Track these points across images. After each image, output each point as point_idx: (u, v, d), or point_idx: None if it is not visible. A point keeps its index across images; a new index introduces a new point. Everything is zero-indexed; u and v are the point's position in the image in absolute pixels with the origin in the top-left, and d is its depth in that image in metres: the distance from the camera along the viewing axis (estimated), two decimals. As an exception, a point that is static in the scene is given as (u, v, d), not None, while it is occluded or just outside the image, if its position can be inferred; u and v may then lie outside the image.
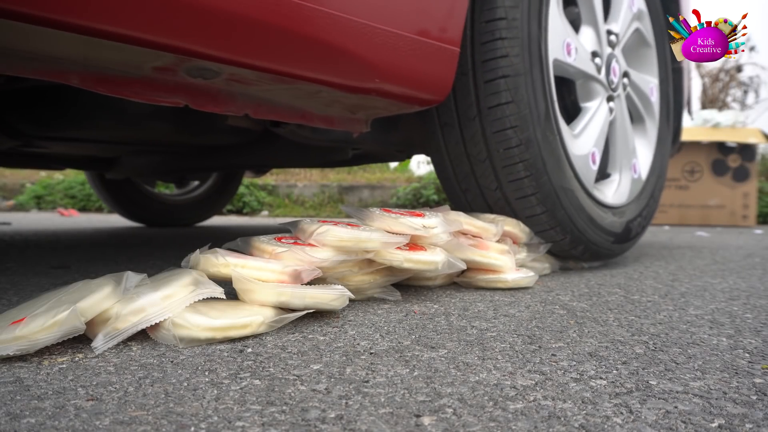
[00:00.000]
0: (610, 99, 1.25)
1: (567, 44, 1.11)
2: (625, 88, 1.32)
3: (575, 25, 1.22)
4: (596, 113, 1.21)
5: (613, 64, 1.25)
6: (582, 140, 1.17)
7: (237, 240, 0.77)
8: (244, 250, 0.75)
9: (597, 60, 1.19)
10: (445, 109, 1.07)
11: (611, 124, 1.27)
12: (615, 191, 1.30)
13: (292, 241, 0.76)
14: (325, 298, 0.66)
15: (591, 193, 1.17)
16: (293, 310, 0.64)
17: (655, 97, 1.44)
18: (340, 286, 0.69)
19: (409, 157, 1.93)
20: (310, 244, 0.75)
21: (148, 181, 2.70)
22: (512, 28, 0.99)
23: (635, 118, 1.42)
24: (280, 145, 1.52)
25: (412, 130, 1.23)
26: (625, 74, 1.32)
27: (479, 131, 1.03)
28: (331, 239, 0.72)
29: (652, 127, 1.45)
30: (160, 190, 2.96)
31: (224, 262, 0.67)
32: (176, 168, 2.05)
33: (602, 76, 1.21)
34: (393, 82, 0.86)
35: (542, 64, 1.04)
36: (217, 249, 0.70)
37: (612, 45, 1.26)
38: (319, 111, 0.95)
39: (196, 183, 2.86)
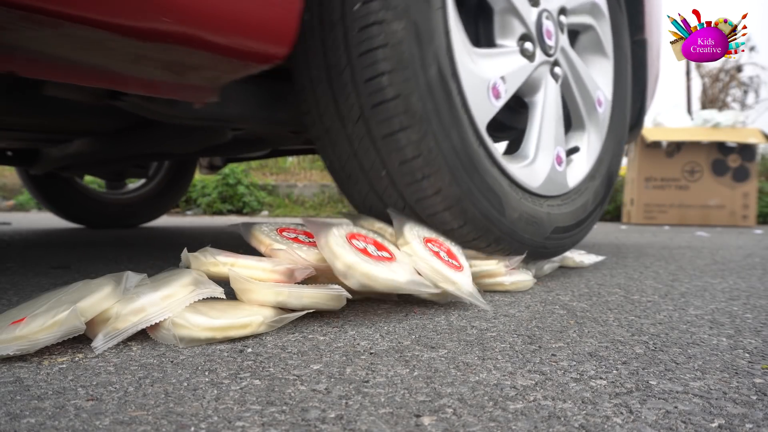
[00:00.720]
0: (555, 64, 1.08)
1: (493, 89, 0.92)
2: (563, 30, 1.10)
3: (484, 10, 1.01)
4: (546, 103, 1.05)
5: (545, 25, 1.03)
6: (540, 162, 1.03)
7: (239, 224, 0.77)
8: (245, 236, 0.75)
9: (528, 45, 1.00)
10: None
11: (563, 85, 1.12)
12: (587, 155, 1.19)
13: (294, 236, 0.76)
14: (322, 298, 0.66)
15: (570, 192, 1.10)
16: (292, 310, 0.64)
17: None
18: (337, 286, 0.69)
19: (310, 142, 1.59)
20: (310, 243, 0.74)
21: (114, 179, 2.49)
22: (432, 163, 0.82)
23: (582, 30, 1.23)
24: (164, 129, 1.30)
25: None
26: (561, 11, 1.11)
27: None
28: (360, 278, 0.66)
29: (604, 30, 1.24)
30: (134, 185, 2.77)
31: (213, 260, 0.67)
32: (92, 160, 1.78)
33: (539, 56, 1.03)
34: (192, 22, 0.64)
35: (478, 165, 0.88)
36: (207, 248, 0.70)
37: (536, 2, 1.03)
38: (127, 71, 0.74)
39: (143, 181, 2.65)
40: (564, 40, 1.11)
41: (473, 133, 0.88)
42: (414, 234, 0.79)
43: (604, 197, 1.21)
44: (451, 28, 0.85)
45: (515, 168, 0.98)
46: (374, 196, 0.88)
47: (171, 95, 0.83)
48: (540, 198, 1.03)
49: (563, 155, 1.10)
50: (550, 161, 1.05)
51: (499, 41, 0.99)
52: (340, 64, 0.80)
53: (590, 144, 1.21)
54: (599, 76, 1.25)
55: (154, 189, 2.69)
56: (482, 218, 0.89)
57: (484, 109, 0.91)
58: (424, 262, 0.75)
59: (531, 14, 1.01)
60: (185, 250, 0.70)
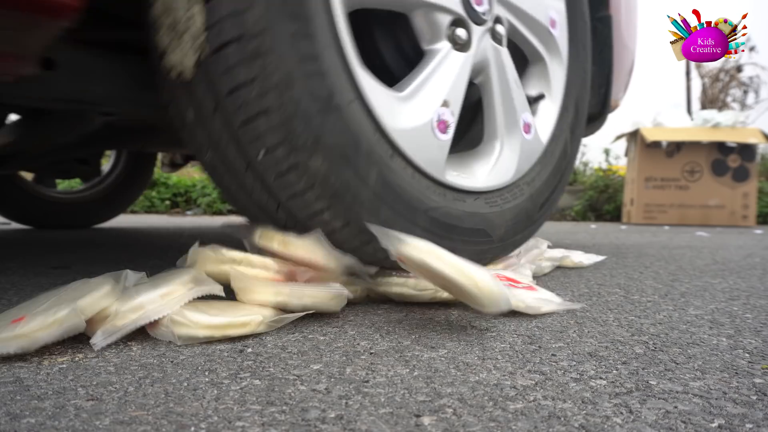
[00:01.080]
0: (496, 21, 0.92)
1: (438, 125, 0.80)
2: None
3: (400, 18, 0.84)
4: (497, 76, 0.92)
5: None
6: (508, 147, 0.94)
7: (234, 227, 0.76)
8: (246, 237, 0.74)
9: (460, 32, 0.84)
10: None
11: (511, 33, 0.98)
12: (554, 90, 1.07)
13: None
14: (324, 297, 0.66)
15: (546, 147, 1.03)
16: (293, 310, 0.64)
17: None
18: (337, 285, 0.69)
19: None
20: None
21: (63, 178, 2.30)
22: None
23: None
24: (52, 119, 1.15)
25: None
26: None
27: None
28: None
29: None
30: (66, 187, 2.60)
31: (222, 256, 0.67)
32: (17, 155, 1.61)
33: (476, 33, 0.87)
34: None
35: (454, 222, 0.83)
36: (213, 245, 0.70)
37: None
38: None
39: (97, 179, 2.50)
40: None
41: (435, 188, 0.81)
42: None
43: (579, 126, 1.11)
44: (372, 105, 0.72)
45: (484, 178, 0.91)
46: None
47: None
48: (518, 183, 0.95)
49: (530, 119, 0.98)
50: (518, 139, 0.95)
51: (426, 47, 0.84)
52: (271, 206, 0.73)
53: (554, 76, 1.08)
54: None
55: (108, 187, 2.53)
56: (474, 257, 0.84)
57: (436, 154, 0.81)
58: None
59: None
60: (196, 244, 0.69)
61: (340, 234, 0.73)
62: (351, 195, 0.71)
